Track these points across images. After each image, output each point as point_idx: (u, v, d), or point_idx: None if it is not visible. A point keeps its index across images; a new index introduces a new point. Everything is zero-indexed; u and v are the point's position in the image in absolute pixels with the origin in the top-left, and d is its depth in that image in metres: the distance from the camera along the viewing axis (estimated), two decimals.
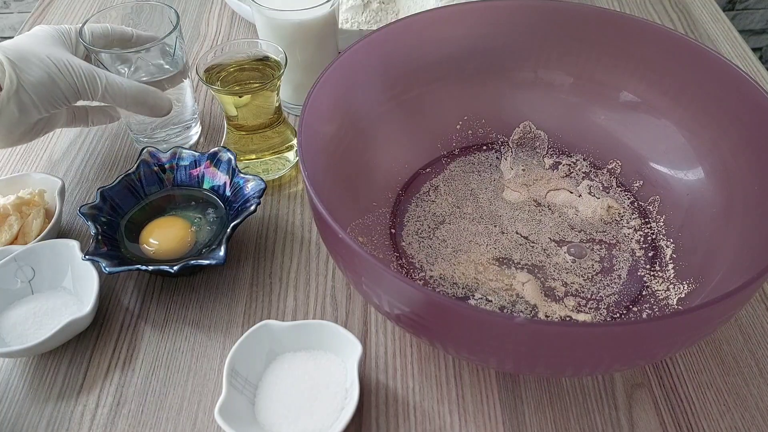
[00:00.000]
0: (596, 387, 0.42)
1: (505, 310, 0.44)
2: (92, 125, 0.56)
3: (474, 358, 0.38)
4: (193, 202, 0.51)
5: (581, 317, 0.44)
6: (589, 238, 0.49)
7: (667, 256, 0.47)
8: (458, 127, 0.56)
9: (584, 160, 0.54)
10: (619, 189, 0.52)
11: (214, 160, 0.51)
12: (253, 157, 0.54)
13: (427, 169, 0.54)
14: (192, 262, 0.44)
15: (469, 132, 0.56)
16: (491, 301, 0.45)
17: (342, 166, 0.47)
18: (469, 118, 0.56)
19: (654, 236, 0.49)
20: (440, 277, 0.46)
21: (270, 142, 0.55)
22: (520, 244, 0.48)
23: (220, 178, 0.51)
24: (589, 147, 0.55)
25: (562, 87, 0.54)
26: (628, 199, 0.52)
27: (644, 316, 0.44)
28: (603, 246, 0.48)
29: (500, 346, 0.34)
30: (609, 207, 0.51)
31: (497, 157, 0.55)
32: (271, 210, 0.54)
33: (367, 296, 0.38)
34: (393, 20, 0.63)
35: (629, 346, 0.33)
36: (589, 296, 0.45)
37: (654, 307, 0.44)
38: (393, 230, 0.49)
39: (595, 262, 0.47)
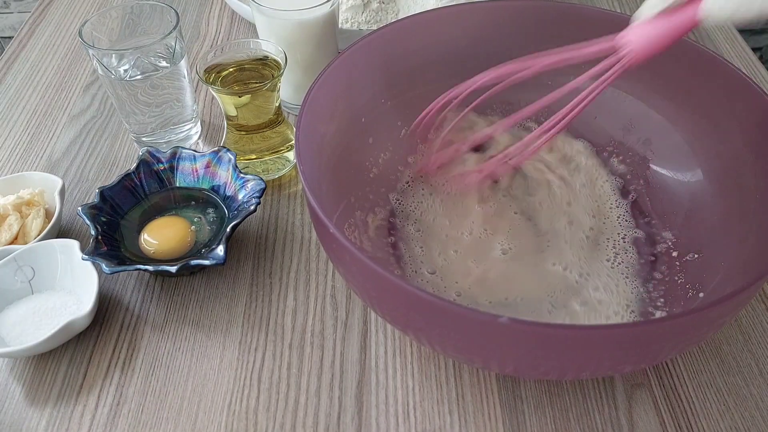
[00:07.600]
0: (596, 387, 0.42)
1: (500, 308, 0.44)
2: None
3: (460, 357, 0.38)
4: (193, 202, 0.51)
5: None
6: (590, 238, 0.49)
7: None
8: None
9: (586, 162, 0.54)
10: (620, 191, 0.52)
11: (214, 160, 0.51)
12: (253, 157, 0.54)
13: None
14: (192, 262, 0.44)
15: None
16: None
17: (341, 165, 0.47)
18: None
19: (654, 238, 0.49)
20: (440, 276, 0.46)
21: (270, 142, 0.55)
22: (522, 244, 0.48)
23: (220, 178, 0.51)
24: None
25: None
26: (629, 200, 0.51)
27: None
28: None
29: (484, 346, 0.34)
30: (609, 208, 0.50)
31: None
32: (271, 210, 0.54)
33: (357, 292, 0.38)
34: (393, 20, 0.63)
35: (624, 348, 0.33)
36: None
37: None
38: (392, 229, 0.49)
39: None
